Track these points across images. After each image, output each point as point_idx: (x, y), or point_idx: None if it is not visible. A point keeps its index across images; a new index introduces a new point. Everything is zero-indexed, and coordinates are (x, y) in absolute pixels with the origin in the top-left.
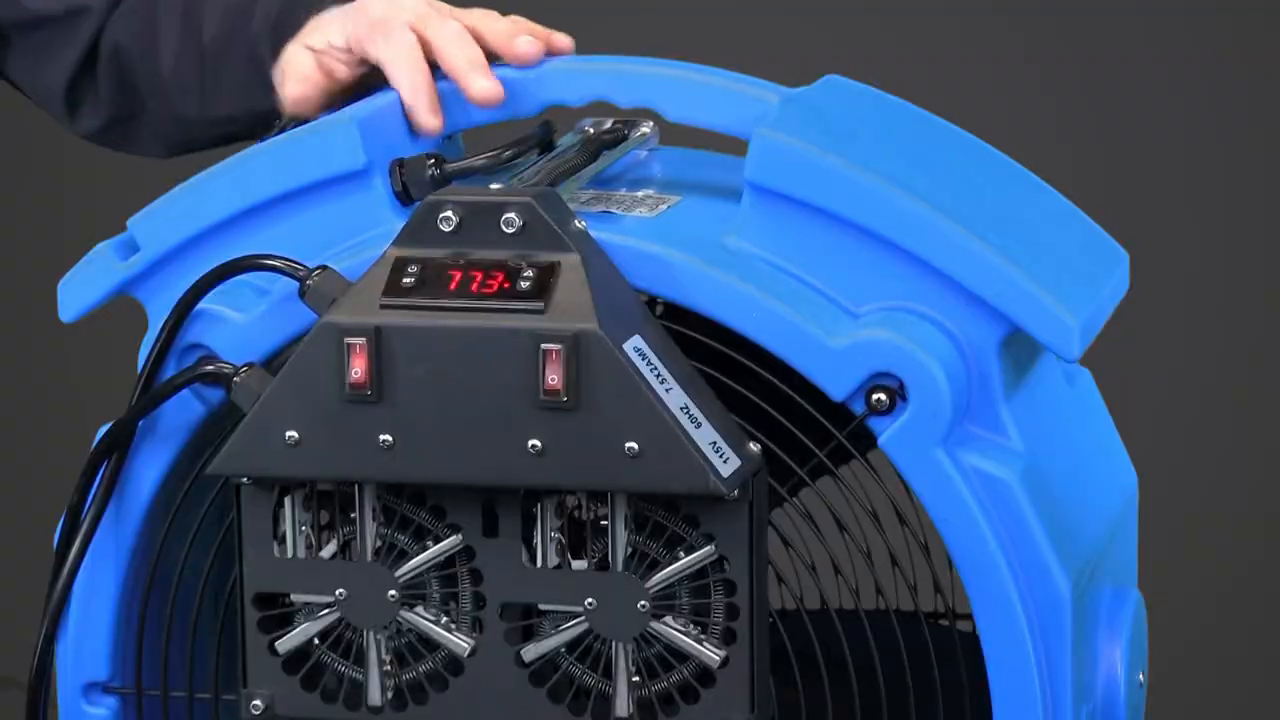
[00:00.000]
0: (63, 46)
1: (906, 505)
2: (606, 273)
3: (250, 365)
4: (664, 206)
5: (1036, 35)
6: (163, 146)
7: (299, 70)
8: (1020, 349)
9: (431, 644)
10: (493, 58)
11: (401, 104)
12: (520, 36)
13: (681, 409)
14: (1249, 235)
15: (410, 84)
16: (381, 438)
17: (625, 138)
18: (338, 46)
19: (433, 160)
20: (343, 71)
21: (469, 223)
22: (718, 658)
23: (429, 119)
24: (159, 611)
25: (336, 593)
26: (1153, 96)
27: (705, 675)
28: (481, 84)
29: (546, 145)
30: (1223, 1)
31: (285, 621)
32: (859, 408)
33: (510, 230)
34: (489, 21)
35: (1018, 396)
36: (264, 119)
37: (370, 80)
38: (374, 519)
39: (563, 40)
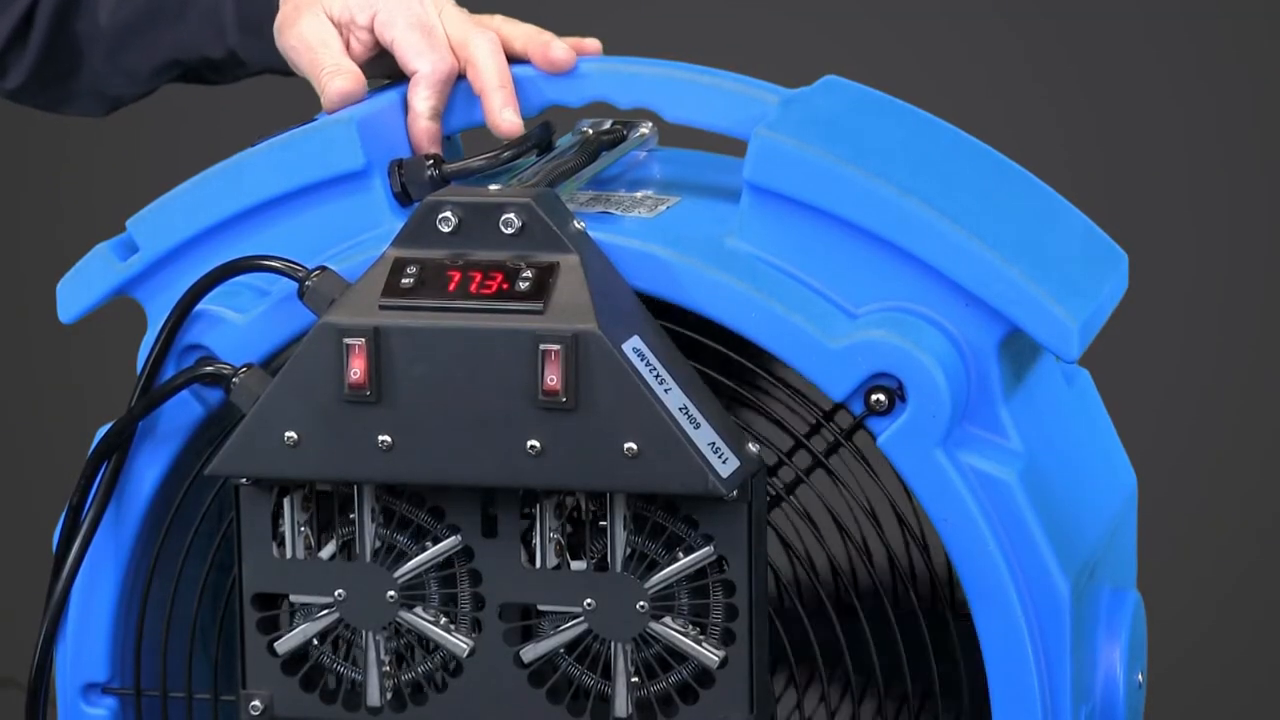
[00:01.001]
0: (1, 14)
1: (906, 506)
2: (605, 273)
3: (249, 366)
4: (663, 207)
5: (1036, 36)
6: (101, 103)
7: (333, 46)
8: (1019, 349)
9: (430, 645)
10: (515, 61)
11: (404, 110)
12: (555, 43)
13: (680, 409)
14: (1249, 235)
15: (428, 115)
16: (380, 438)
17: (624, 138)
18: (359, 25)
19: (432, 161)
20: (357, 51)
21: (468, 223)
22: (717, 658)
23: (429, 148)
24: (158, 612)
25: (335, 593)
26: (1153, 97)
27: (704, 676)
28: (510, 119)
29: (545, 146)
30: (1223, 3)
31: (284, 622)
32: (858, 408)
33: (509, 231)
34: (509, 27)
35: (1017, 397)
36: (214, 66)
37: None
38: (373, 520)
39: (592, 44)
